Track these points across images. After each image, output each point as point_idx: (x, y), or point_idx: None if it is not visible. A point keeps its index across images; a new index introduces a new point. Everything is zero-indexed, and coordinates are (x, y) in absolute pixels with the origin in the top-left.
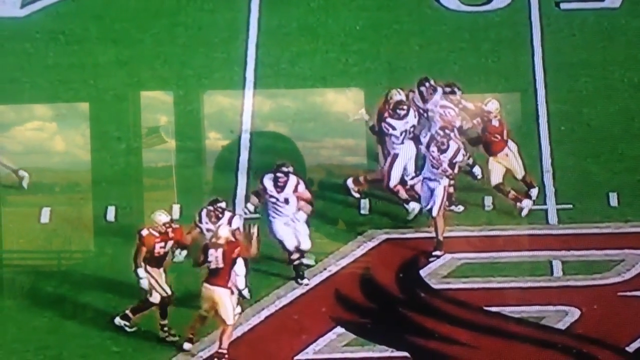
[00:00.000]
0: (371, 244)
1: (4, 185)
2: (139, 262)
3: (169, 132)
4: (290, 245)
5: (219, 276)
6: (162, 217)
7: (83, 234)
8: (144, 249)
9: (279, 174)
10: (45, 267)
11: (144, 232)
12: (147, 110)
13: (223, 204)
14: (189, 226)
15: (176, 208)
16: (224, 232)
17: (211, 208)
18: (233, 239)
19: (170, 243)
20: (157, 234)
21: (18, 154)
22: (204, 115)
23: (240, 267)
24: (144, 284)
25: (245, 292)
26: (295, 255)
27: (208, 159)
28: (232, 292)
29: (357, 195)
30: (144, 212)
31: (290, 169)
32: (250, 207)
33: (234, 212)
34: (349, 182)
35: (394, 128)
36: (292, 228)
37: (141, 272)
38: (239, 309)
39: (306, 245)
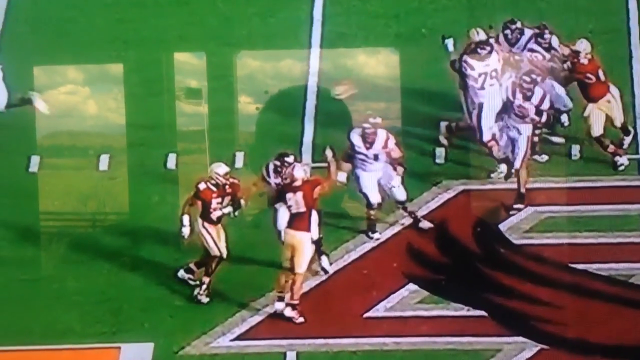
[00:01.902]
0: (447, 195)
1: (41, 147)
2: (186, 209)
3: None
4: (375, 199)
5: (301, 220)
6: (221, 169)
7: (118, 197)
8: (199, 203)
9: (367, 129)
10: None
11: (202, 186)
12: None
13: (291, 158)
14: (252, 178)
15: (240, 156)
16: (300, 173)
17: (278, 162)
18: (310, 178)
19: (227, 199)
20: (214, 188)
21: (52, 117)
22: (237, 77)
23: (313, 215)
24: (186, 232)
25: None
26: (374, 211)
27: (241, 122)
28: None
29: (444, 142)
30: (178, 177)
31: (379, 120)
32: (342, 177)
33: (302, 162)
34: (442, 127)
35: (472, 68)
36: (387, 189)
37: (185, 219)
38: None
39: (402, 195)
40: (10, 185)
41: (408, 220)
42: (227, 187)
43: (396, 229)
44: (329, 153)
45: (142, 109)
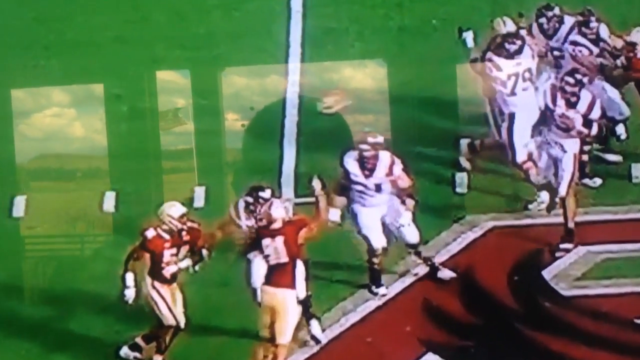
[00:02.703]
0: (472, 235)
1: (28, 171)
2: (130, 265)
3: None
4: (378, 243)
5: (283, 273)
6: (175, 209)
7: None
8: (147, 256)
9: (365, 151)
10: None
11: (149, 233)
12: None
13: (267, 193)
14: (219, 221)
15: (199, 192)
16: (279, 212)
17: (250, 199)
18: (293, 218)
19: (185, 249)
20: (166, 236)
21: (38, 140)
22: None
23: (299, 267)
24: (130, 294)
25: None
26: (378, 259)
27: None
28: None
29: (466, 165)
30: (163, 195)
31: (380, 139)
32: (335, 215)
33: (282, 197)
34: (464, 145)
35: (499, 68)
36: (394, 228)
37: (129, 278)
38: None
39: (413, 236)
40: None
41: (423, 270)
42: (183, 233)
43: (408, 281)
44: (316, 184)
45: (124, 130)
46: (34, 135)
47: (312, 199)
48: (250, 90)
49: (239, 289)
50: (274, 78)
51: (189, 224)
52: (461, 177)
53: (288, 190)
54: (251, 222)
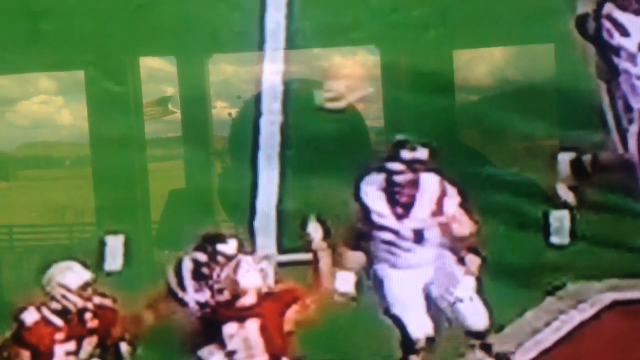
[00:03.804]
0: (578, 316)
1: (16, 159)
2: None
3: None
4: (419, 329)
5: None
6: (72, 277)
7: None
8: (27, 356)
9: (397, 173)
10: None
11: (30, 317)
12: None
13: (230, 246)
14: (149, 294)
15: (114, 243)
16: (252, 279)
17: (202, 257)
18: (275, 289)
19: (90, 343)
20: (58, 322)
21: (26, 128)
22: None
23: None
24: None
25: None
26: (419, 356)
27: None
28: None
29: (569, 197)
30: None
31: (422, 153)
32: (347, 283)
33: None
34: (564, 164)
35: (624, 33)
36: (446, 305)
37: None
38: None
39: (478, 318)
40: None
41: None
42: (87, 317)
43: None
44: (315, 230)
45: (108, 119)
46: (21, 124)
47: (307, 257)
48: (239, 79)
49: None
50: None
51: (97, 300)
52: (559, 219)
53: (267, 240)
54: (204, 297)
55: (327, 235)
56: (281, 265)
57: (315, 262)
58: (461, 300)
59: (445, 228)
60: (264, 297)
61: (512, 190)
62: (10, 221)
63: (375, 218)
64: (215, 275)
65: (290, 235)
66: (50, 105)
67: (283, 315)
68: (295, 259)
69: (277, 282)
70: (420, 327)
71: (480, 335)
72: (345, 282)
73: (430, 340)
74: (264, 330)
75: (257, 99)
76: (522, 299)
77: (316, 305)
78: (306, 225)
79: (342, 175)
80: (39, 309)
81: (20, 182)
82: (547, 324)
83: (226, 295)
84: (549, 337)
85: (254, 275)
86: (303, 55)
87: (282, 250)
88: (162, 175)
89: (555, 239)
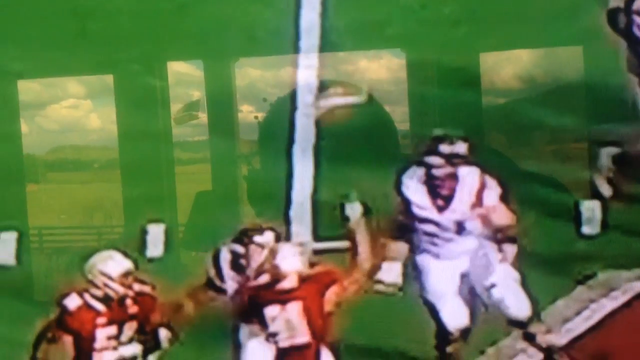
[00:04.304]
0: (609, 304)
1: (46, 162)
2: (40, 352)
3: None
4: (454, 320)
5: None
6: (112, 265)
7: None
8: (69, 341)
9: (437, 168)
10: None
11: (72, 302)
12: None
13: (266, 236)
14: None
15: (155, 231)
16: (293, 263)
17: (239, 249)
18: (313, 272)
19: (130, 328)
20: (100, 307)
21: (55, 132)
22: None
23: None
24: None
25: None
26: (453, 347)
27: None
28: None
29: (605, 190)
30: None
31: (461, 147)
32: (393, 272)
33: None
34: (605, 156)
35: None
36: (483, 292)
37: None
38: None
39: (516, 304)
40: None
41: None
42: (128, 302)
43: None
44: (354, 211)
45: (136, 121)
46: (51, 127)
47: (342, 244)
48: (265, 82)
49: None
50: (288, 70)
51: (137, 287)
52: (591, 209)
53: (302, 228)
54: (243, 284)
55: (366, 216)
56: (316, 252)
57: (351, 246)
58: (495, 286)
59: (485, 219)
60: (305, 280)
61: (542, 182)
62: (40, 223)
63: (416, 210)
64: (251, 262)
65: (325, 224)
66: (79, 109)
67: (323, 295)
68: (330, 247)
69: (311, 267)
70: (456, 318)
71: (520, 323)
72: (391, 272)
73: (465, 332)
74: (305, 311)
75: (292, 95)
76: (553, 288)
77: (355, 287)
78: (343, 206)
79: (381, 167)
80: (80, 295)
81: (50, 185)
82: (578, 312)
83: (266, 279)
84: (579, 325)
85: (293, 260)
86: (331, 58)
87: (316, 238)
88: (188, 177)
89: (586, 229)
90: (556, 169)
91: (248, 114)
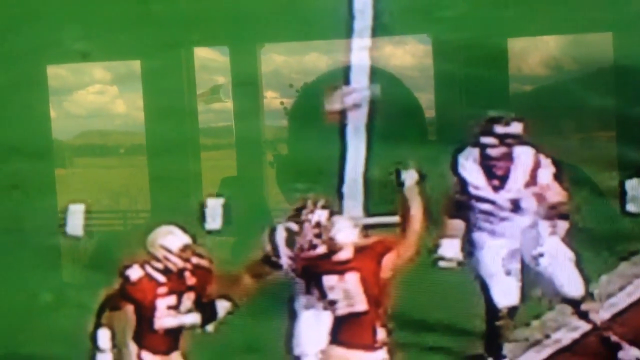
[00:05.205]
0: None
1: (73, 147)
2: (105, 318)
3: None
4: (505, 298)
5: (359, 328)
6: (171, 239)
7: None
8: (131, 310)
9: (491, 147)
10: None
11: (134, 273)
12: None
13: (321, 215)
14: (248, 259)
15: (214, 205)
16: (349, 235)
17: (294, 227)
18: (367, 242)
19: (189, 298)
20: (161, 278)
21: (81, 117)
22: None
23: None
24: None
25: None
26: (502, 322)
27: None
28: None
29: None
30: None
31: (516, 128)
32: (452, 248)
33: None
34: None
35: None
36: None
37: (103, 338)
38: None
39: (568, 279)
40: None
41: (568, 334)
42: (187, 275)
43: (545, 352)
44: (410, 177)
45: (162, 107)
46: (78, 112)
47: (393, 219)
48: (289, 68)
49: None
50: (313, 55)
51: (195, 260)
52: (636, 187)
53: (354, 203)
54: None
55: (420, 182)
56: (367, 227)
57: (404, 213)
58: (543, 255)
59: (539, 197)
60: (360, 250)
61: (600, 161)
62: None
63: (472, 190)
64: (306, 238)
65: (375, 201)
66: (105, 95)
67: (379, 263)
68: (381, 222)
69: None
70: (506, 296)
71: (572, 300)
72: (452, 248)
73: (512, 309)
74: (362, 281)
75: (346, 73)
76: (595, 265)
77: (409, 253)
78: (399, 171)
79: (434, 147)
80: (142, 266)
81: (77, 169)
82: (621, 288)
83: (322, 250)
84: (622, 300)
85: (348, 232)
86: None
87: (368, 213)
88: (214, 163)
89: (630, 207)
90: (584, 157)
91: (273, 99)
